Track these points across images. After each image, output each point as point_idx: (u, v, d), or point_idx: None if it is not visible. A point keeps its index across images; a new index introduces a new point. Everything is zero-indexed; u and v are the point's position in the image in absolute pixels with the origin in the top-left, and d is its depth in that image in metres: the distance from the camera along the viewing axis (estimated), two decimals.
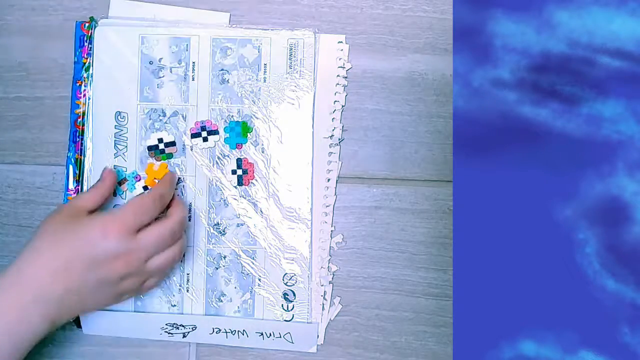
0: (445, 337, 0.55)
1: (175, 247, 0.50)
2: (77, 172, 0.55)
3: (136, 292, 0.51)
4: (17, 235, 0.56)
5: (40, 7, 0.56)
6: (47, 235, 0.47)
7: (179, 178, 0.55)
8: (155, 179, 0.54)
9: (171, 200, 0.52)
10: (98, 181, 0.52)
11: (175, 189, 0.53)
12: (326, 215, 0.55)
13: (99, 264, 0.46)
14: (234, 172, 0.55)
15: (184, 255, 0.53)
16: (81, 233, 0.46)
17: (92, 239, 0.46)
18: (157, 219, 0.49)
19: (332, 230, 0.55)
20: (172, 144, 0.54)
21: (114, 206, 0.54)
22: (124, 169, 0.54)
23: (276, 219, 0.54)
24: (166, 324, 0.54)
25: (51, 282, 0.45)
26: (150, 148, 0.54)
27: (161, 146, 0.54)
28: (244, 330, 0.54)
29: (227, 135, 0.55)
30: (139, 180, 0.54)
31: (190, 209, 0.55)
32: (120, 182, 0.54)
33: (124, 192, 0.54)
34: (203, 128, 0.55)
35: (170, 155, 0.55)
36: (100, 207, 0.51)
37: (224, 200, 0.55)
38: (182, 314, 0.55)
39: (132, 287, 0.49)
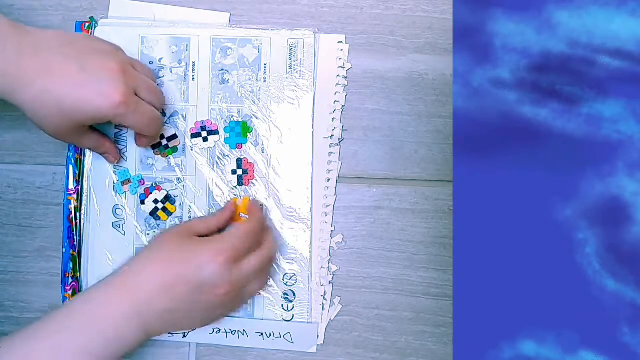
0: (445, 337, 0.55)
1: (266, 272, 0.53)
2: (77, 172, 0.55)
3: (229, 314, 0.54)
4: (17, 235, 0.56)
5: (40, 7, 0.56)
6: (161, 250, 0.48)
7: (179, 178, 0.55)
8: (240, 213, 0.54)
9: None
10: (221, 210, 0.53)
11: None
12: (326, 215, 0.55)
13: (203, 287, 0.47)
14: (234, 172, 0.55)
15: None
16: (192, 255, 0.47)
17: (201, 263, 0.47)
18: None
19: (332, 230, 0.55)
20: (174, 137, 0.54)
21: (113, 206, 0.54)
22: (127, 169, 0.55)
23: (276, 219, 0.54)
24: None
25: (155, 297, 0.46)
26: (154, 147, 0.54)
27: (164, 142, 0.54)
28: (244, 330, 0.54)
29: (227, 135, 0.55)
30: (142, 185, 0.54)
31: (190, 209, 0.55)
32: (123, 183, 0.54)
33: (125, 193, 0.54)
34: (203, 128, 0.55)
35: (175, 149, 0.55)
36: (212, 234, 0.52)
37: (224, 200, 0.54)
38: None
39: (227, 313, 0.53)
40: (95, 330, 0.45)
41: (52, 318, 0.45)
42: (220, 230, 0.52)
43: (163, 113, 0.54)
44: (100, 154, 0.53)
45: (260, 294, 0.54)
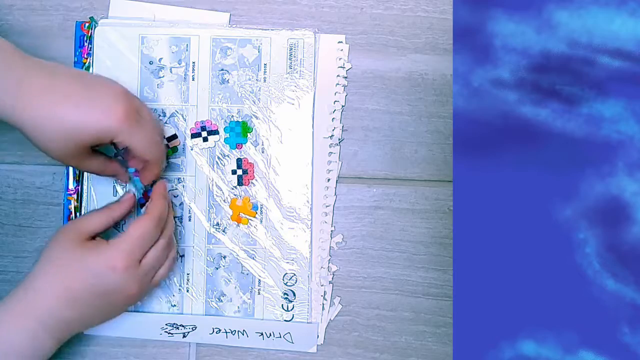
0: (445, 337, 0.55)
1: (171, 253, 0.52)
2: (77, 172, 0.54)
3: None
4: (17, 235, 0.56)
5: (40, 7, 0.56)
6: (56, 261, 0.47)
7: (179, 178, 0.55)
8: (240, 213, 0.54)
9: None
10: (114, 203, 0.51)
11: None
12: (326, 215, 0.55)
13: (108, 293, 0.47)
14: (234, 172, 0.55)
15: (183, 256, 0.54)
16: (88, 265, 0.46)
17: (100, 274, 0.46)
18: None
19: (332, 230, 0.55)
20: (174, 137, 0.54)
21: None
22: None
23: (276, 219, 0.54)
24: (166, 324, 0.54)
25: (58, 308, 0.46)
26: None
27: (164, 142, 0.54)
28: (244, 330, 0.54)
29: (227, 135, 0.55)
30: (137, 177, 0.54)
31: (190, 210, 0.55)
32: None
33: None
34: (203, 128, 0.55)
35: (175, 149, 0.54)
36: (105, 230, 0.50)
37: (224, 200, 0.55)
38: (182, 314, 0.55)
39: (139, 300, 0.52)
40: (6, 350, 0.45)
41: None
42: (117, 223, 0.51)
43: (164, 113, 0.54)
44: (107, 176, 0.52)
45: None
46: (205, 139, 0.55)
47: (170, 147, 0.55)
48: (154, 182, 0.51)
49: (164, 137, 0.51)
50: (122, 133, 0.45)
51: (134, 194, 0.51)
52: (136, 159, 0.50)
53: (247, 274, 0.55)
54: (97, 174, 0.51)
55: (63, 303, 0.46)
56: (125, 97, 0.46)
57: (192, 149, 0.55)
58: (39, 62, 0.45)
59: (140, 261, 0.48)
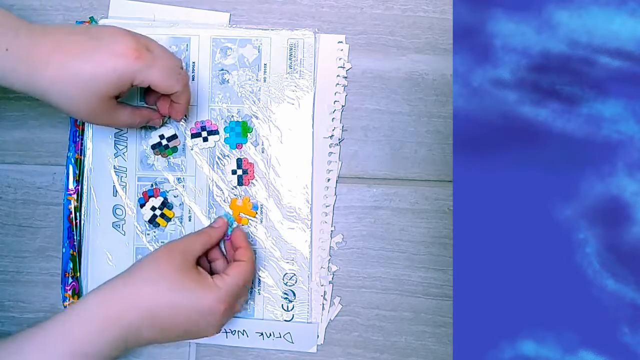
0: (445, 337, 0.55)
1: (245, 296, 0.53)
2: (77, 172, 0.55)
3: None
4: (17, 235, 0.56)
5: (40, 7, 0.56)
6: (159, 272, 0.47)
7: (179, 178, 0.55)
8: (241, 213, 0.54)
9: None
10: (209, 227, 0.53)
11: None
12: (326, 215, 0.55)
13: (197, 329, 0.48)
14: (234, 172, 0.55)
15: None
16: (196, 296, 0.47)
17: (204, 310, 0.47)
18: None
19: (332, 230, 0.55)
20: (174, 137, 0.54)
21: (113, 206, 0.54)
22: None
23: (276, 219, 0.54)
24: None
25: (144, 329, 0.46)
26: (154, 147, 0.54)
27: (164, 142, 0.54)
28: (244, 330, 0.54)
29: (227, 135, 0.55)
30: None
31: (190, 210, 0.55)
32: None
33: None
34: (203, 128, 0.55)
35: (175, 149, 0.55)
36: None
37: (224, 200, 0.55)
38: None
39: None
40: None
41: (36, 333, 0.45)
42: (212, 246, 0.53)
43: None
44: (141, 126, 0.53)
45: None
46: (205, 139, 0.55)
47: (170, 147, 0.55)
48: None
49: (182, 64, 0.50)
50: (139, 72, 0.45)
51: (224, 218, 0.53)
52: (163, 100, 0.51)
53: None
54: (129, 127, 0.53)
55: (150, 327, 0.46)
56: (132, 38, 0.46)
57: (192, 149, 0.55)
58: (42, 27, 0.46)
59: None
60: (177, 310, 0.46)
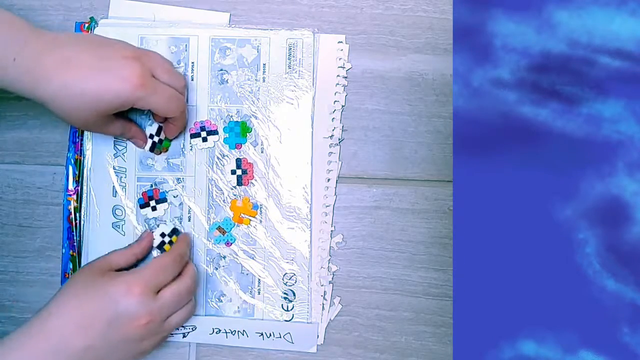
0: (445, 337, 0.55)
1: (189, 304, 0.52)
2: (77, 172, 0.55)
3: (155, 348, 0.51)
4: (17, 235, 0.56)
5: (40, 7, 0.56)
6: (75, 289, 0.48)
7: (179, 178, 0.55)
8: (241, 214, 0.54)
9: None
10: (136, 241, 0.53)
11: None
12: (326, 215, 0.55)
13: (121, 322, 0.47)
14: (233, 172, 0.55)
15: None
16: (105, 290, 0.47)
17: (115, 297, 0.47)
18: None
19: (332, 230, 0.55)
20: (160, 129, 0.54)
21: (112, 207, 0.54)
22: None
23: (276, 219, 0.54)
24: None
25: (73, 337, 0.46)
26: (151, 149, 0.54)
27: (156, 139, 0.54)
28: (244, 330, 0.54)
29: (227, 135, 0.55)
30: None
31: (190, 210, 0.55)
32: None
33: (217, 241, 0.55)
34: (202, 128, 0.55)
35: (168, 142, 0.54)
36: (130, 267, 0.52)
37: (224, 200, 0.55)
38: None
39: (151, 346, 0.50)
40: None
41: None
42: (138, 261, 0.53)
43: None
44: (128, 140, 0.54)
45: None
46: (204, 139, 0.55)
47: (164, 140, 0.54)
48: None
49: (184, 84, 0.51)
50: (140, 100, 0.47)
51: (151, 233, 0.54)
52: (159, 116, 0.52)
53: (247, 274, 0.55)
54: (120, 137, 0.54)
55: (78, 332, 0.46)
56: (138, 63, 0.47)
57: (191, 149, 0.55)
58: (53, 37, 0.46)
59: (158, 294, 0.49)
60: (96, 304, 0.46)
